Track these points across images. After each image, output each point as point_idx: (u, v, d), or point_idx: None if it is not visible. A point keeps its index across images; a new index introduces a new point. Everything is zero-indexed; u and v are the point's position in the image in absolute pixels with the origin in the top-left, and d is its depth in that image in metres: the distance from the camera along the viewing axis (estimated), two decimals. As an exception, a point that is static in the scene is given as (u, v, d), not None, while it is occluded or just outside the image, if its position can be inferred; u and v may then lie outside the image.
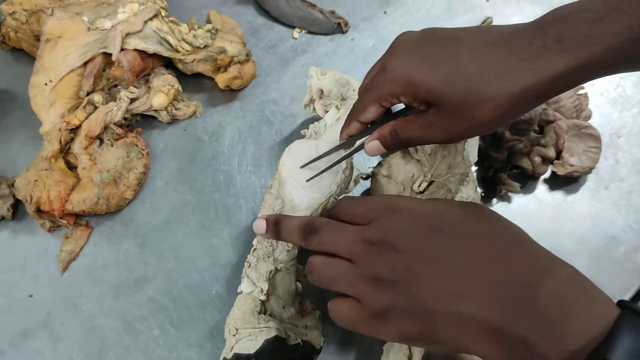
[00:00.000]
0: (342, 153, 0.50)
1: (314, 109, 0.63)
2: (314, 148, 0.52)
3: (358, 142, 0.49)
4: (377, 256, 0.38)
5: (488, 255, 0.36)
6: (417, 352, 0.47)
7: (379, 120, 0.47)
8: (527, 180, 0.65)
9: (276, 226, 0.45)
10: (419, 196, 0.55)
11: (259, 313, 0.49)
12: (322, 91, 0.61)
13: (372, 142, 0.46)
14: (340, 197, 0.47)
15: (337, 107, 0.58)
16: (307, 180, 0.50)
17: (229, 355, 0.47)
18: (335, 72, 0.61)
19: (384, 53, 0.46)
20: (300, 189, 0.51)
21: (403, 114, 0.46)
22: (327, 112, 0.60)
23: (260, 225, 0.46)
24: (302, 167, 0.51)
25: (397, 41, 0.45)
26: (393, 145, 0.46)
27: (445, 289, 0.35)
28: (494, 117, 0.39)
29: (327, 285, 0.40)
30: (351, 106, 0.48)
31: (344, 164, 0.52)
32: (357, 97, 0.48)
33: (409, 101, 0.43)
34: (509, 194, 0.64)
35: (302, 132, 0.59)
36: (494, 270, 0.35)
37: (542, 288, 0.33)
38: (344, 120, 0.49)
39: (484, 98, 0.39)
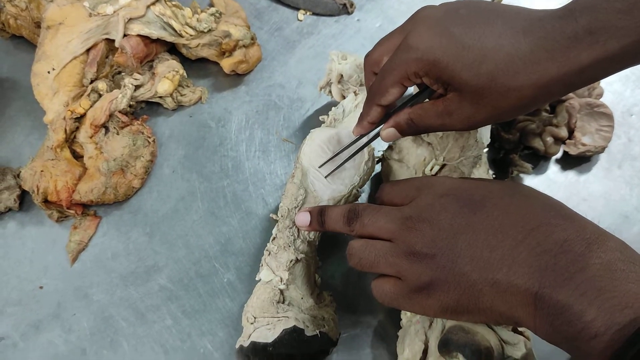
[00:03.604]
0: (358, 143, 0.49)
1: (329, 92, 0.62)
2: (335, 136, 0.51)
3: (373, 132, 0.48)
4: (415, 232, 0.38)
5: (532, 226, 0.35)
6: (434, 338, 0.47)
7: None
8: (538, 161, 0.64)
9: (321, 216, 0.46)
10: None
11: (278, 302, 0.49)
12: (341, 76, 0.60)
13: (389, 130, 0.45)
14: (383, 184, 0.46)
15: (355, 92, 0.57)
16: (326, 176, 0.50)
17: (246, 343, 0.47)
18: (357, 56, 0.60)
19: (402, 26, 0.44)
20: (323, 180, 0.51)
21: (415, 98, 0.45)
22: (344, 97, 0.59)
23: (303, 219, 0.47)
24: (320, 166, 0.50)
25: (420, 16, 0.42)
26: (410, 133, 0.45)
27: (486, 259, 0.36)
28: (517, 106, 0.39)
29: (368, 268, 0.41)
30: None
31: (365, 155, 0.51)
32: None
33: (430, 82, 0.41)
34: (521, 175, 0.63)
35: (320, 118, 0.58)
36: (538, 240, 0.35)
37: (589, 258, 0.32)
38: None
39: (509, 88, 0.38)
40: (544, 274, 0.33)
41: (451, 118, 0.41)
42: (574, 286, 0.32)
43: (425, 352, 0.47)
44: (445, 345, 0.44)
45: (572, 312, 0.31)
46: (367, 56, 0.47)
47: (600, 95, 0.65)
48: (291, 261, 0.50)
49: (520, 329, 0.46)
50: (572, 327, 0.31)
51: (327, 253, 0.58)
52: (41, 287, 0.57)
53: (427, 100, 0.44)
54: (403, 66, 0.41)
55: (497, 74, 0.37)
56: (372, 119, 0.45)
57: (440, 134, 0.54)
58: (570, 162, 0.64)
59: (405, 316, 0.51)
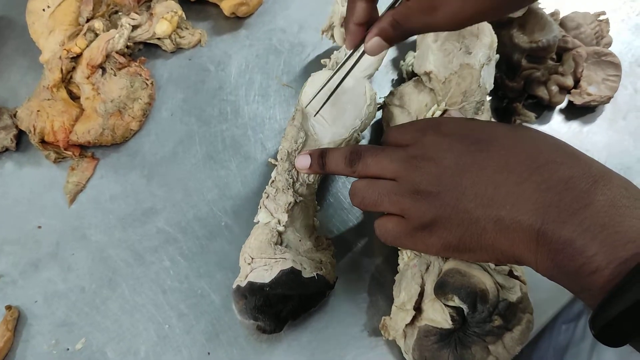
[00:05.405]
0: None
1: (332, 36, 0.60)
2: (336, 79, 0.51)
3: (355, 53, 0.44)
4: (420, 170, 0.38)
5: (537, 164, 0.35)
6: (430, 281, 0.47)
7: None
8: (542, 111, 0.63)
9: (321, 158, 0.45)
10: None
11: (276, 244, 0.48)
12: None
13: (373, 40, 0.39)
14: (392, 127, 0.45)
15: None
16: (316, 113, 0.49)
17: (243, 283, 0.47)
18: None
19: None
20: (324, 122, 0.50)
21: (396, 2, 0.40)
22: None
23: (303, 161, 0.46)
24: (308, 104, 0.49)
25: None
26: (396, 37, 0.40)
27: (490, 196, 0.35)
28: None
29: (371, 207, 0.41)
30: None
31: (367, 99, 0.50)
32: None
33: None
34: (524, 124, 0.62)
35: (322, 61, 0.57)
36: (543, 178, 0.34)
37: (594, 195, 0.32)
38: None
39: None
40: (548, 211, 0.33)
41: (436, 15, 0.36)
42: (577, 222, 0.32)
43: (421, 295, 0.47)
44: (441, 288, 0.44)
45: (574, 247, 0.31)
46: None
47: (609, 44, 0.63)
48: (290, 204, 0.50)
49: (516, 273, 0.46)
50: (573, 262, 0.31)
51: (326, 197, 0.58)
52: (39, 227, 0.57)
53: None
54: None
55: None
56: (359, 19, 0.40)
57: (442, 79, 0.53)
58: (575, 112, 0.63)
59: (402, 260, 0.51)
